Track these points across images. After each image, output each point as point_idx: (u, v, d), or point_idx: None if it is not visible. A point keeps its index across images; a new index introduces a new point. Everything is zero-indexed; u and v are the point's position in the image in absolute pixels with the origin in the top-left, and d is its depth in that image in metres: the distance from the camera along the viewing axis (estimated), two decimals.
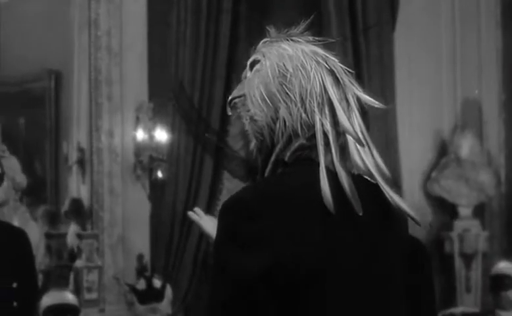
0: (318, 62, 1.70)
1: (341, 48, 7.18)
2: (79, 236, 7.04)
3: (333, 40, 1.80)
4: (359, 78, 6.57)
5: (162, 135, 7.28)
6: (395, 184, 1.70)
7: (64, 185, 8.58)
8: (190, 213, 2.28)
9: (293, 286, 1.55)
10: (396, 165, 7.52)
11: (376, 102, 1.73)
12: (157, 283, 6.17)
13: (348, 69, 1.73)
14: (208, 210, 7.00)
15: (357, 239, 1.62)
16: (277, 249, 1.54)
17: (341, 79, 1.71)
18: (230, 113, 1.81)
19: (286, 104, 1.67)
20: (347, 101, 1.69)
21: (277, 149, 1.68)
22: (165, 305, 6.14)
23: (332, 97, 1.67)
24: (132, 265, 7.05)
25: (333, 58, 1.73)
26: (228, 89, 7.07)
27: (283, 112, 1.67)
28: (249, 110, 1.72)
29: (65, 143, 8.57)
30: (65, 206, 7.55)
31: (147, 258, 7.14)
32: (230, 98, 1.81)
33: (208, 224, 2.22)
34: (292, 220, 1.57)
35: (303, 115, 1.65)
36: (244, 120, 1.74)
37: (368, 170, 1.66)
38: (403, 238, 1.76)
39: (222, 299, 1.56)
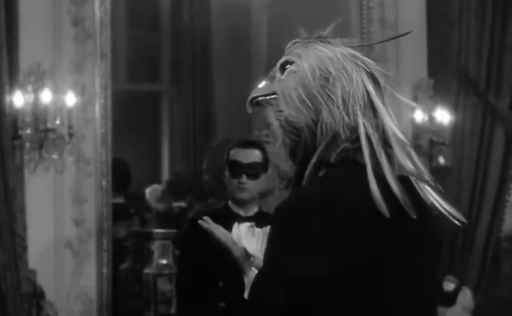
0: (357, 65, 1.74)
1: None
2: None
3: (367, 43, 1.83)
4: None
5: (443, 116, 6.64)
6: (436, 185, 1.73)
7: None
8: (201, 222, 2.30)
9: (347, 289, 1.59)
10: None
11: (414, 103, 1.93)
12: (449, 285, 5.48)
13: (385, 72, 1.79)
14: (497, 201, 6.43)
15: (406, 241, 1.67)
16: (332, 254, 1.59)
17: (380, 81, 1.76)
18: (249, 111, 1.87)
19: (328, 106, 1.71)
20: (384, 103, 1.75)
21: (319, 151, 1.71)
22: (457, 313, 5.44)
23: (374, 100, 1.72)
24: None
25: (371, 61, 1.77)
26: None
27: (325, 114, 1.71)
28: (281, 111, 1.76)
29: None
30: None
31: None
32: (253, 95, 1.85)
33: (221, 232, 2.22)
34: (346, 224, 1.61)
35: (345, 118, 1.70)
36: (273, 119, 1.78)
37: (413, 170, 1.69)
38: (439, 238, 1.79)
39: (276, 302, 1.60)
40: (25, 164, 5.55)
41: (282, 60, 1.81)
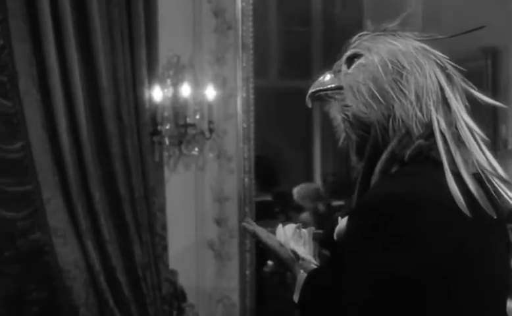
0: (429, 59, 1.72)
1: None
2: None
3: (440, 37, 1.77)
4: None
5: None
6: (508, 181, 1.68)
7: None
8: (245, 224, 2.21)
9: (431, 289, 1.56)
10: None
11: (492, 100, 1.76)
12: None
13: (458, 66, 1.73)
14: None
15: (485, 240, 1.65)
16: (423, 252, 1.55)
17: (454, 76, 1.72)
18: (309, 105, 1.81)
19: (400, 101, 1.67)
20: (457, 98, 1.71)
21: (391, 147, 1.68)
22: None
23: (448, 96, 1.69)
24: None
25: (443, 55, 1.74)
26: None
27: (397, 109, 1.67)
28: (347, 105, 1.72)
29: (504, 126, 7.66)
30: None
31: None
32: (316, 89, 1.81)
33: (263, 234, 2.12)
34: (435, 221, 1.57)
35: (418, 113, 1.67)
36: (338, 113, 1.75)
37: (489, 167, 1.66)
38: (509, 237, 1.76)
39: (361, 300, 1.56)
40: (165, 161, 5.40)
41: (349, 53, 1.76)
